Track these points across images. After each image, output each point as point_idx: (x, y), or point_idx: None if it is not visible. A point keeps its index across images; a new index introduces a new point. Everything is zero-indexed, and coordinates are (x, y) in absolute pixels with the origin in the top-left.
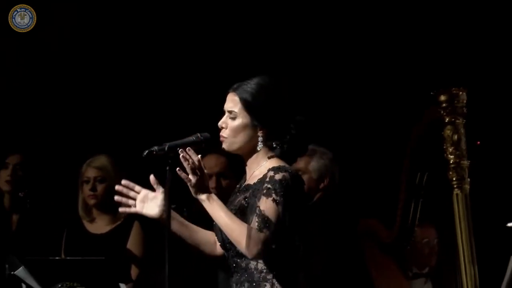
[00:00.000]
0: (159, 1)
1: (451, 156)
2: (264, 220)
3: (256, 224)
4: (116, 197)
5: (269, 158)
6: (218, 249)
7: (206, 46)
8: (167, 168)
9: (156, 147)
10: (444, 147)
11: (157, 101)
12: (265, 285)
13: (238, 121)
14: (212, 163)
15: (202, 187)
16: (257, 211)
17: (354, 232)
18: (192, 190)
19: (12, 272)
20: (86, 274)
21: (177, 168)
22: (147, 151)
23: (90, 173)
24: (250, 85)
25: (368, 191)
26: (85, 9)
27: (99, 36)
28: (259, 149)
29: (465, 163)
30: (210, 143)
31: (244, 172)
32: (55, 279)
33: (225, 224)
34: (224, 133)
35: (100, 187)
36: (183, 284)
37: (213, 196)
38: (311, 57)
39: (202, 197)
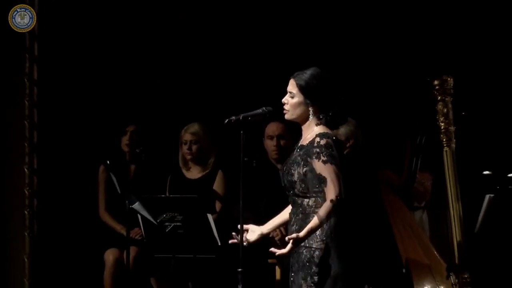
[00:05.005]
0: None
1: (442, 124)
2: (323, 179)
3: (324, 187)
4: (232, 241)
5: (317, 125)
6: None
7: (277, 46)
8: (241, 132)
9: (233, 117)
10: (437, 117)
11: (237, 84)
12: (313, 216)
13: (295, 100)
14: (274, 128)
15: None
16: (318, 176)
17: (373, 178)
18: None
19: (131, 206)
20: (183, 208)
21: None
22: (227, 120)
23: (187, 137)
24: (306, 74)
25: (385, 149)
26: None
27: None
28: (310, 119)
29: (452, 128)
30: (273, 114)
31: (301, 135)
32: (161, 211)
33: (318, 225)
34: (286, 107)
35: (194, 147)
36: (255, 215)
37: (300, 236)
38: (343, 50)
39: (298, 244)
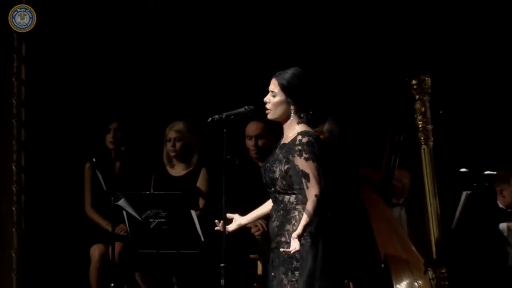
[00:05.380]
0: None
1: (420, 122)
2: (306, 175)
3: (307, 183)
4: (216, 228)
5: (298, 123)
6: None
7: (259, 46)
8: (224, 130)
9: (216, 116)
10: (415, 116)
11: (220, 84)
12: (294, 212)
13: (277, 98)
14: (253, 128)
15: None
16: (300, 172)
17: (352, 175)
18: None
19: (116, 203)
20: (167, 204)
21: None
22: (210, 118)
23: (171, 134)
24: (287, 73)
25: (364, 147)
26: None
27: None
28: (291, 118)
29: (430, 127)
30: (255, 112)
31: (282, 134)
32: (146, 207)
33: (309, 220)
34: (268, 106)
35: (178, 144)
36: (237, 211)
37: (299, 232)
38: (326, 51)
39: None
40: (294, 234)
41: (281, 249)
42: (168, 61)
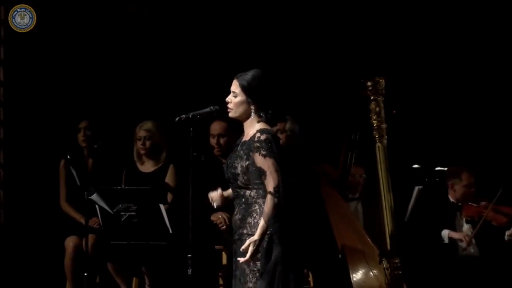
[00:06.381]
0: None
1: (374, 121)
2: (263, 172)
3: (264, 180)
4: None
5: (258, 122)
6: None
7: (222, 49)
8: (191, 129)
9: (183, 115)
10: (370, 115)
11: (187, 85)
12: (255, 206)
13: (238, 99)
14: (216, 127)
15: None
16: (259, 169)
17: (311, 171)
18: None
19: (89, 197)
20: (138, 199)
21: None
22: (178, 118)
23: (141, 133)
24: (248, 75)
25: (323, 145)
26: None
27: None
28: (252, 117)
29: (384, 125)
30: (220, 112)
31: (243, 132)
32: (117, 202)
33: (266, 222)
34: (229, 106)
35: (147, 143)
36: (203, 205)
37: (256, 238)
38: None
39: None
40: (252, 239)
41: (239, 258)
42: (137, 62)
